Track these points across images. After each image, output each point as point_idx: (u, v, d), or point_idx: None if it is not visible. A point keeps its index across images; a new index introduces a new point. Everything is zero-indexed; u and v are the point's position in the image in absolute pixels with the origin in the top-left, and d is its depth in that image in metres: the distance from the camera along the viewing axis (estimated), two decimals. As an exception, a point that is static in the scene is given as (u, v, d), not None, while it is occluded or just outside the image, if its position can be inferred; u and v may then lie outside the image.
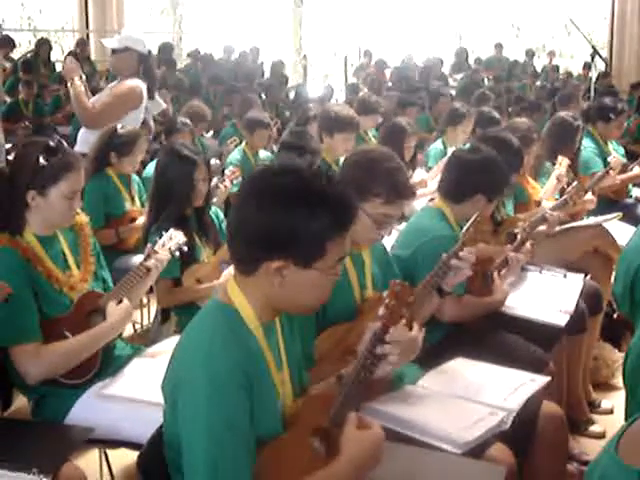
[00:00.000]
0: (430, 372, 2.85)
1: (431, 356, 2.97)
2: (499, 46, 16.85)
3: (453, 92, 11.08)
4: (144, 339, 4.58)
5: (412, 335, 2.42)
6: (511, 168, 3.87)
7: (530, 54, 16.68)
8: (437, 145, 6.21)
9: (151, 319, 5.01)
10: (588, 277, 4.22)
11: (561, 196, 4.60)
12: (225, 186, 4.84)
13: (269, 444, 1.94)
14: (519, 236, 3.73)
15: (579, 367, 3.86)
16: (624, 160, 5.96)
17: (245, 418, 1.86)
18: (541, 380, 2.77)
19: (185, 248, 3.33)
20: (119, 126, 4.62)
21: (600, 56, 9.28)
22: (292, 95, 12.42)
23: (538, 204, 4.64)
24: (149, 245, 3.25)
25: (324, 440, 2.02)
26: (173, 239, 3.27)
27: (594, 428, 3.89)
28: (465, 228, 2.90)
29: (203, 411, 1.82)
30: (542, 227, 4.18)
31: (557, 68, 15.73)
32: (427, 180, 5.57)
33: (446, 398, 2.66)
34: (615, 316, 4.44)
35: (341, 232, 1.94)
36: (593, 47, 8.46)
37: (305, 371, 2.32)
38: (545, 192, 4.79)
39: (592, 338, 4.04)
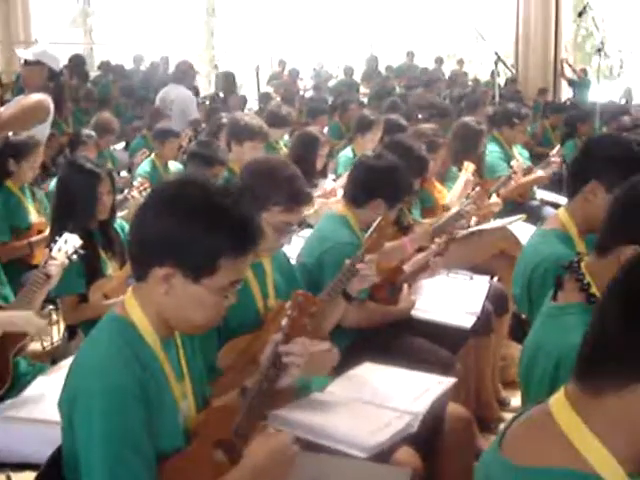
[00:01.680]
0: (338, 378, 2.85)
1: (340, 362, 2.98)
2: (410, 54, 17.10)
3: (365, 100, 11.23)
4: (51, 356, 4.47)
5: (316, 348, 2.41)
6: (414, 173, 3.92)
7: (439, 61, 16.98)
8: (346, 153, 6.24)
9: (61, 335, 4.90)
10: (495, 279, 4.31)
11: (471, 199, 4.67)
12: (133, 197, 4.78)
13: (171, 458, 1.91)
14: (439, 240, 3.78)
15: (487, 367, 3.92)
16: (529, 163, 6.12)
17: (143, 432, 1.82)
18: (447, 382, 2.80)
19: (81, 251, 3.29)
20: (10, 134, 4.54)
21: (504, 63, 9.51)
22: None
23: (445, 209, 4.71)
24: (46, 251, 3.20)
25: (228, 452, 2.01)
26: (69, 242, 3.23)
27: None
28: (368, 233, 2.92)
29: (99, 426, 1.78)
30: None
31: (466, 74, 16.08)
32: (337, 188, 5.60)
33: (353, 403, 2.66)
34: (523, 316, 4.53)
35: (238, 254, 1.91)
36: (496, 54, 8.66)
37: (208, 383, 2.31)
38: (452, 197, 4.87)
39: (499, 338, 4.12)
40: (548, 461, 1.22)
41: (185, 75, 9.10)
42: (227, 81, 11.16)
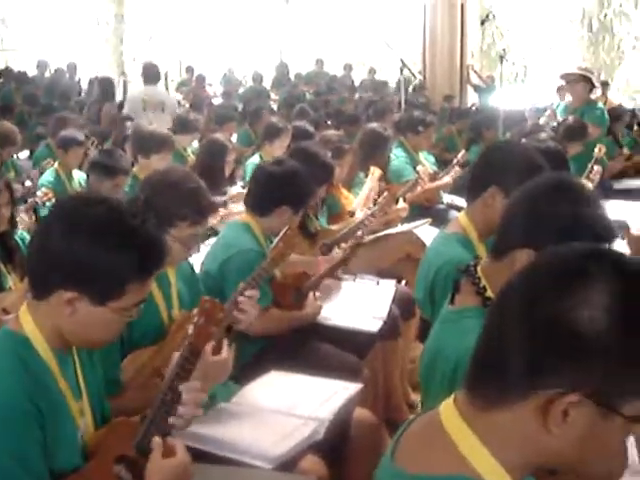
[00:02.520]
0: (244, 388, 2.84)
1: (246, 372, 2.97)
2: (320, 62, 17.20)
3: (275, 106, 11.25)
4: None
5: (218, 359, 2.39)
6: (320, 180, 3.94)
7: (348, 68, 17.13)
8: (254, 160, 6.23)
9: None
10: (402, 283, 4.35)
11: (374, 205, 4.72)
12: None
13: (70, 476, 1.86)
14: (340, 253, 3.79)
15: (396, 371, 3.95)
16: (435, 169, 6.22)
17: (34, 450, 1.77)
18: (353, 387, 2.81)
19: None
20: None
21: (410, 70, 9.67)
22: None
23: (352, 214, 4.74)
24: None
25: (130, 469, 1.96)
26: None
27: (414, 429, 3.99)
28: (274, 243, 2.91)
29: None
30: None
31: (374, 82, 16.27)
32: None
33: (259, 413, 2.65)
34: (432, 319, 4.59)
35: (145, 276, 1.89)
36: (402, 61, 8.80)
37: (112, 397, 2.25)
38: (358, 202, 4.91)
39: (407, 341, 4.16)
40: (439, 469, 1.22)
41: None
42: (102, 88, 10.86)
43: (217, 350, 2.43)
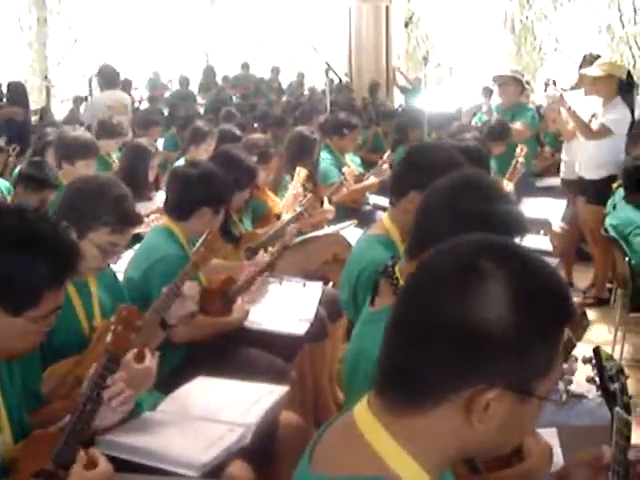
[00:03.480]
0: (169, 396, 2.80)
1: (173, 379, 2.94)
2: (246, 65, 17.15)
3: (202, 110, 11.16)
4: None
5: (141, 367, 2.36)
6: (241, 183, 3.93)
7: (275, 71, 17.12)
8: (180, 164, 6.16)
9: None
10: (330, 284, 4.36)
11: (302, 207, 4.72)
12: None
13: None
14: (266, 256, 3.77)
15: (324, 372, 3.96)
16: (360, 170, 6.26)
17: None
18: (279, 390, 2.81)
19: None
20: None
21: (335, 72, 9.71)
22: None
23: (278, 217, 4.73)
24: None
25: (50, 483, 1.92)
26: None
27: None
28: (196, 248, 2.89)
29: None
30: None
31: (302, 84, 16.31)
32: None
33: (184, 421, 2.63)
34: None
35: (59, 282, 1.88)
36: (327, 64, 8.83)
37: (33, 410, 2.21)
38: (284, 205, 4.90)
39: (335, 343, 4.16)
40: (356, 471, 1.22)
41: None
42: (16, 92, 10.56)
43: (140, 358, 2.40)
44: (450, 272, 1.21)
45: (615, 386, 1.52)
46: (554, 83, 6.65)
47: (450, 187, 2.07)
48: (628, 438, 1.44)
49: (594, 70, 5.92)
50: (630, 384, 4.58)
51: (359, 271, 2.76)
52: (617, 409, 1.45)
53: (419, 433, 1.20)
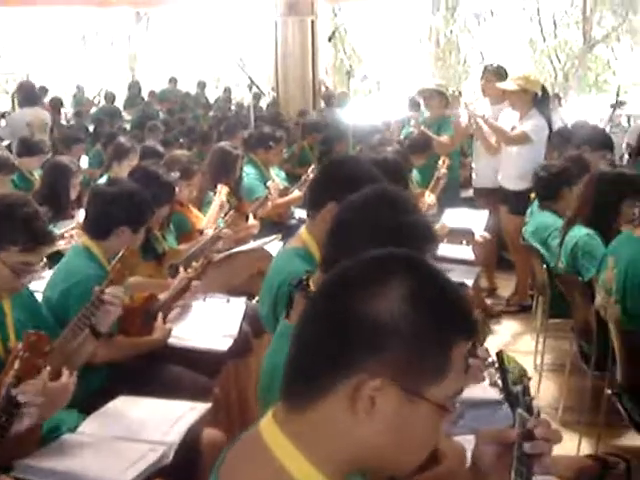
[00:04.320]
0: (91, 416, 2.77)
1: (94, 400, 2.90)
2: (173, 79, 17.05)
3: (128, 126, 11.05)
4: None
5: (56, 384, 2.32)
6: (160, 200, 3.91)
7: (202, 85, 17.05)
8: (103, 181, 6.09)
9: None
10: (255, 300, 4.35)
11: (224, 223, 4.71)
12: None
13: None
14: (190, 272, 3.75)
15: (249, 388, 3.94)
16: (285, 184, 6.28)
17: None
18: (201, 408, 2.79)
19: None
20: None
21: (257, 87, 9.71)
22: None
23: (201, 233, 4.71)
24: None
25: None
26: None
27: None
28: (112, 265, 2.85)
29: None
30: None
31: (230, 99, 16.28)
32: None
33: (105, 441, 2.60)
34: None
35: None
36: (250, 79, 8.84)
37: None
38: (207, 221, 4.89)
39: (260, 358, 4.14)
40: None
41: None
42: None
43: (56, 376, 2.37)
44: (357, 275, 1.28)
45: (518, 388, 1.56)
46: (460, 94, 6.77)
47: (364, 201, 2.10)
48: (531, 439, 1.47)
49: (509, 84, 6.09)
50: (551, 388, 4.71)
51: (278, 285, 2.77)
52: (519, 410, 1.49)
53: (315, 429, 1.24)
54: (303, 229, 2.97)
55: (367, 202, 2.08)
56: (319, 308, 1.29)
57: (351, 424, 1.22)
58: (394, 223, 1.98)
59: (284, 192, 6.07)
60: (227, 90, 17.32)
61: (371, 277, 1.26)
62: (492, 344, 5.32)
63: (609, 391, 3.45)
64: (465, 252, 5.27)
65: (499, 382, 2.00)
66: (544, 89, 6.25)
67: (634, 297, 3.16)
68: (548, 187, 5.01)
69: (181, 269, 3.73)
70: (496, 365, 1.96)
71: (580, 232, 4.14)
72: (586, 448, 3.82)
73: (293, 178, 7.01)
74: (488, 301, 6.28)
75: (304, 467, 1.23)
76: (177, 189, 4.46)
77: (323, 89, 13.51)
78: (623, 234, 3.45)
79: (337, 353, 1.22)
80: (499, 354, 1.84)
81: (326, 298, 1.29)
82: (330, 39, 11.34)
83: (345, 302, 1.24)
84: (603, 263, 3.46)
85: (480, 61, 24.07)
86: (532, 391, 4.45)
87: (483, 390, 2.59)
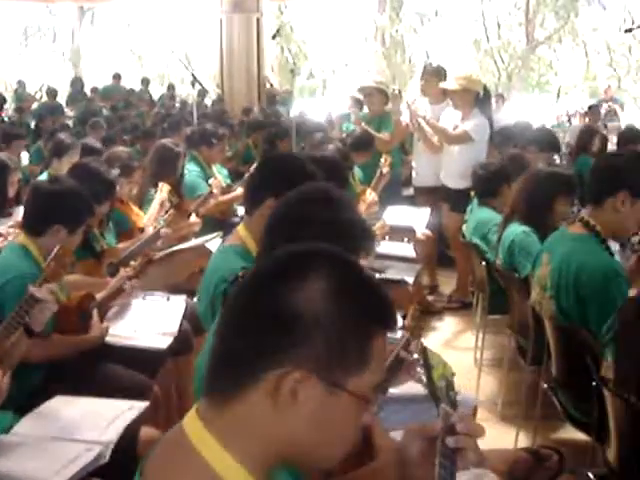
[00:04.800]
0: (26, 417, 2.73)
1: (32, 400, 2.86)
2: (117, 76, 16.86)
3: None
4: None
5: None
6: (99, 197, 3.87)
7: (146, 82, 16.89)
8: (43, 178, 6.00)
9: None
10: (195, 298, 4.33)
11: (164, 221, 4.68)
12: None
13: None
14: (129, 270, 3.71)
15: (190, 386, 3.92)
16: (228, 181, 6.26)
17: None
18: (139, 406, 2.78)
19: None
20: None
21: (200, 84, 9.67)
22: None
23: (142, 231, 4.68)
24: None
25: None
26: None
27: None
28: (46, 262, 2.82)
29: None
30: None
31: (174, 96, 16.15)
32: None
33: (40, 442, 2.56)
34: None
35: None
36: (193, 75, 8.80)
37: None
38: (148, 219, 4.85)
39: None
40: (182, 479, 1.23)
41: None
42: None
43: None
44: (278, 269, 1.30)
45: (442, 384, 1.58)
46: (400, 92, 6.84)
47: (299, 197, 2.13)
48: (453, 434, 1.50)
49: (451, 84, 6.17)
50: (490, 383, 4.78)
51: (215, 283, 2.77)
52: (443, 405, 1.51)
53: (238, 424, 1.25)
54: (241, 226, 2.97)
55: (302, 199, 2.10)
56: (241, 302, 1.30)
57: (274, 417, 1.23)
58: (329, 220, 2.00)
59: (227, 190, 6.05)
60: (171, 87, 17.19)
61: (292, 271, 1.27)
62: (433, 341, 5.49)
63: (545, 385, 3.51)
64: (406, 249, 5.32)
65: (423, 378, 2.04)
66: (486, 89, 6.35)
67: (568, 293, 3.22)
68: (487, 185, 5.11)
69: (121, 268, 3.69)
70: (421, 362, 2.00)
71: (516, 229, 4.22)
72: (523, 441, 3.89)
73: (237, 176, 6.99)
74: (430, 298, 6.35)
75: (227, 463, 1.24)
76: (117, 186, 4.42)
77: (268, 86, 13.48)
78: (558, 231, 3.51)
79: (258, 347, 1.23)
80: (423, 351, 1.88)
81: (248, 292, 1.30)
82: (274, 37, 11.37)
83: (266, 296, 1.25)
84: (538, 259, 3.52)
85: (425, 60, 24.30)
86: (473, 386, 4.54)
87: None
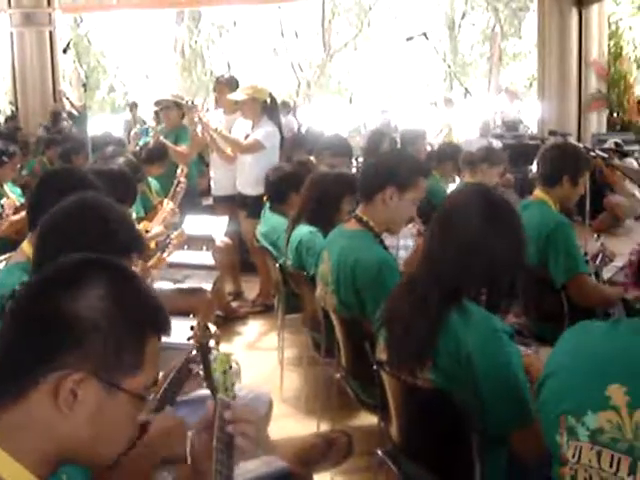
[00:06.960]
0: None
1: None
2: None
3: None
4: None
5: None
6: None
7: None
8: None
9: None
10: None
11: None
12: None
13: None
14: None
15: None
16: (22, 201, 6.10)
17: None
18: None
19: None
20: None
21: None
22: None
23: None
24: None
25: None
26: None
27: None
28: None
29: None
30: None
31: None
32: None
33: None
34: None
35: None
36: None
37: None
38: None
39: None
40: None
41: None
42: None
43: None
44: (56, 277, 1.39)
45: (217, 375, 1.68)
46: (194, 104, 6.95)
47: (68, 209, 2.20)
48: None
49: (238, 95, 6.34)
50: (294, 380, 4.90)
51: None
52: (219, 395, 1.62)
53: (21, 430, 1.30)
54: (25, 242, 2.97)
55: (71, 210, 2.17)
56: (20, 308, 1.36)
57: (55, 419, 1.29)
58: (96, 229, 2.08)
59: (20, 209, 5.88)
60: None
61: (69, 279, 1.36)
62: (238, 345, 5.61)
63: (338, 375, 3.68)
64: (205, 257, 5.43)
65: (201, 372, 2.14)
66: (272, 97, 6.56)
67: (347, 286, 3.41)
68: (278, 190, 5.29)
69: None
70: (198, 358, 2.10)
71: (303, 230, 4.41)
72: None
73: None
74: (235, 304, 6.45)
75: (11, 466, 1.28)
76: None
77: (65, 101, 13.12)
78: (336, 229, 3.71)
79: (38, 350, 1.30)
80: (201, 346, 1.98)
81: (27, 299, 1.37)
82: (65, 51, 11.11)
83: (45, 301, 1.33)
84: (320, 257, 3.71)
85: (227, 71, 24.49)
86: (278, 384, 4.63)
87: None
